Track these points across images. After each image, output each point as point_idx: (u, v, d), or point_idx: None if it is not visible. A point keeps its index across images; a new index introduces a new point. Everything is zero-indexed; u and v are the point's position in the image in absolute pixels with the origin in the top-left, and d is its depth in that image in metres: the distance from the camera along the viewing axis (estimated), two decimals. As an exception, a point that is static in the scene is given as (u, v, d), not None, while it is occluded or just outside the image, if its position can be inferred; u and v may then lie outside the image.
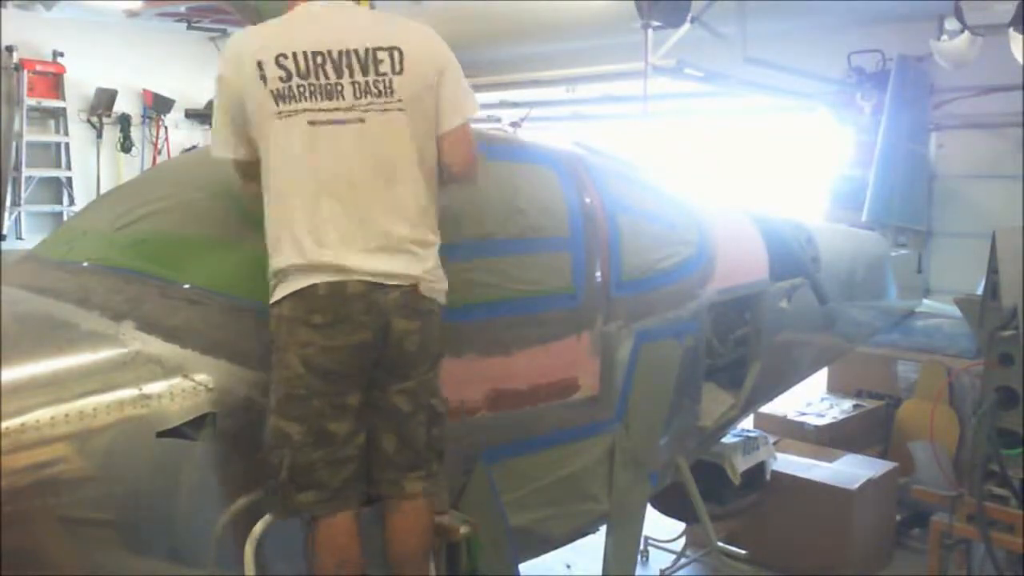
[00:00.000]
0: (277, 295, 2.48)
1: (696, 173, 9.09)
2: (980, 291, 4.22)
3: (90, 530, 2.28)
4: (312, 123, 2.46)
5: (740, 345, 4.48)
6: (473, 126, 2.80)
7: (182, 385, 2.41)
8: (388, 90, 2.51)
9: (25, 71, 9.40)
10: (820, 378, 6.72)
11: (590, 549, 3.74)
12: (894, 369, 6.70)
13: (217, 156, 2.65)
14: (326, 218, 2.46)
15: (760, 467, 4.89)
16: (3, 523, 2.10)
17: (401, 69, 2.52)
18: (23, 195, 9.56)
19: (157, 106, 10.40)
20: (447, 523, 2.76)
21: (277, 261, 2.49)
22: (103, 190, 9.51)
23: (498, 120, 9.37)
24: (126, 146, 10.25)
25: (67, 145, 9.90)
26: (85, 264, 2.84)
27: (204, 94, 10.73)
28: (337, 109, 2.47)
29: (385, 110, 2.51)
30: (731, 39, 6.84)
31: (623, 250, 3.53)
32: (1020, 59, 6.01)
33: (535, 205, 3.25)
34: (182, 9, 8.81)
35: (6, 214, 9.46)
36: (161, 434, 2.35)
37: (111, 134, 10.24)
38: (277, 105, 2.44)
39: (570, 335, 3.29)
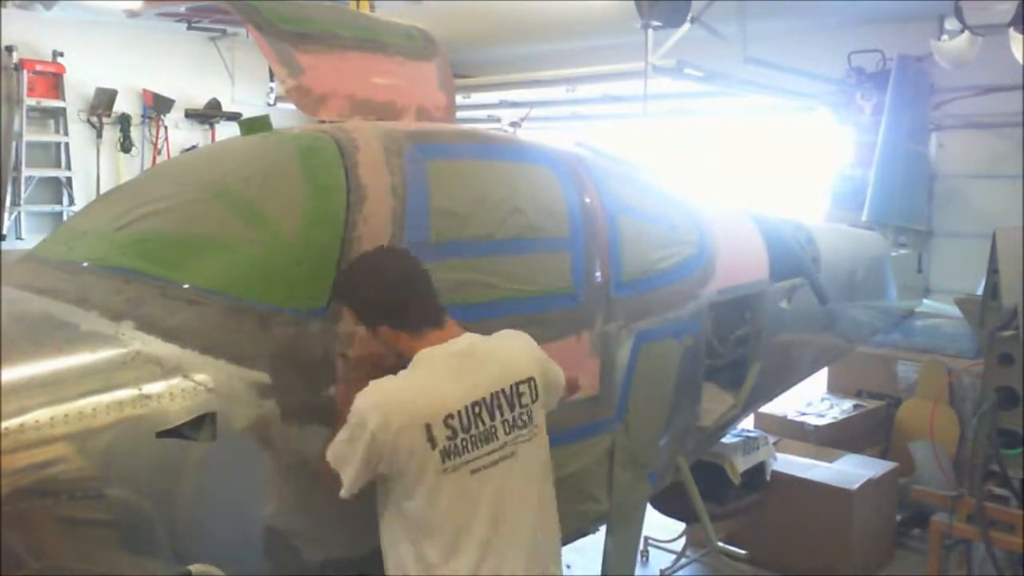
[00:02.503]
0: None
1: (696, 173, 9.09)
2: (980, 291, 4.22)
3: (90, 530, 2.28)
4: (474, 472, 2.53)
5: (740, 345, 4.48)
6: (473, 126, 2.81)
7: (182, 385, 2.41)
8: (530, 419, 2.67)
9: (25, 71, 9.39)
10: (820, 378, 6.73)
11: (590, 549, 3.74)
12: (894, 369, 6.71)
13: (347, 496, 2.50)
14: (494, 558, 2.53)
15: (760, 467, 4.89)
16: (3, 523, 2.10)
17: (537, 396, 2.70)
18: (23, 195, 9.55)
19: (157, 106, 10.40)
20: (447, 523, 2.76)
21: None
22: (103, 190, 9.50)
23: (498, 120, 9.37)
24: (126, 146, 10.25)
25: (67, 145, 9.89)
26: (85, 264, 2.84)
27: (204, 94, 10.74)
28: (493, 451, 2.58)
29: (530, 439, 2.67)
30: (731, 39, 6.85)
31: (623, 250, 3.53)
32: (1020, 59, 6.01)
33: (535, 205, 3.25)
34: (182, 9, 8.80)
35: (6, 214, 9.46)
36: (161, 434, 2.35)
37: (111, 134, 10.23)
38: (443, 463, 2.48)
39: (570, 335, 3.29)
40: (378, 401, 2.47)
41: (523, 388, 2.66)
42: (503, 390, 2.61)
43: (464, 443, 2.52)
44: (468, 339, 2.65)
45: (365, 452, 2.43)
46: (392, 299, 2.58)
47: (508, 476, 2.59)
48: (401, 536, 2.53)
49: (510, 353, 2.72)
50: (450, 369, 2.57)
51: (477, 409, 2.55)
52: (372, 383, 2.51)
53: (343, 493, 2.48)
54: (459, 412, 2.52)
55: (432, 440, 2.47)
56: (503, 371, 2.64)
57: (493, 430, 2.58)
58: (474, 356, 2.62)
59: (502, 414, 2.60)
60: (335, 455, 2.50)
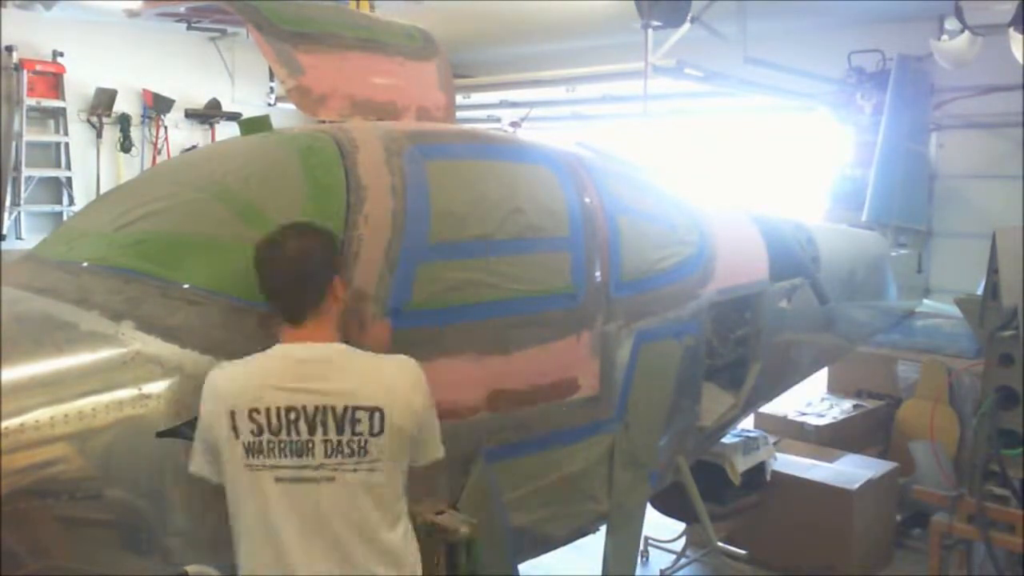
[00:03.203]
0: None
1: (696, 173, 9.09)
2: (980, 291, 4.22)
3: (90, 530, 2.28)
4: (279, 480, 2.39)
5: (740, 345, 4.48)
6: (473, 126, 2.80)
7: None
8: (362, 451, 2.43)
9: (25, 71, 9.39)
10: (820, 378, 6.72)
11: (590, 549, 3.74)
12: (894, 369, 6.70)
13: (192, 472, 2.46)
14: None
15: (760, 467, 4.89)
16: (3, 523, 2.10)
17: (380, 431, 2.43)
18: (23, 195, 9.55)
19: (157, 106, 10.40)
20: (447, 523, 2.76)
21: None
22: (103, 190, 9.50)
23: (498, 120, 9.37)
24: (126, 146, 10.25)
25: (67, 145, 9.89)
26: (85, 264, 2.84)
27: (204, 94, 10.73)
28: (306, 467, 2.40)
29: (355, 470, 2.42)
30: (731, 39, 6.85)
31: (623, 250, 3.53)
32: (1020, 59, 6.01)
33: (535, 205, 3.25)
34: (182, 9, 8.80)
35: (6, 214, 9.46)
36: (161, 434, 2.35)
37: (111, 134, 10.23)
38: (246, 457, 2.38)
39: (570, 335, 3.29)
40: (209, 381, 2.43)
41: (360, 415, 2.42)
42: (333, 408, 2.40)
43: (271, 445, 2.38)
44: (329, 349, 2.50)
45: (200, 425, 2.41)
46: (269, 283, 2.51)
47: (319, 500, 2.40)
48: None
49: (367, 378, 2.48)
50: (281, 368, 2.44)
51: (293, 416, 2.39)
52: (222, 363, 2.46)
53: (191, 465, 2.43)
54: (268, 410, 2.38)
55: (235, 430, 2.37)
56: (343, 391, 2.43)
57: (310, 445, 2.39)
58: (320, 365, 2.46)
59: (325, 432, 2.40)
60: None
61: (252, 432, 2.38)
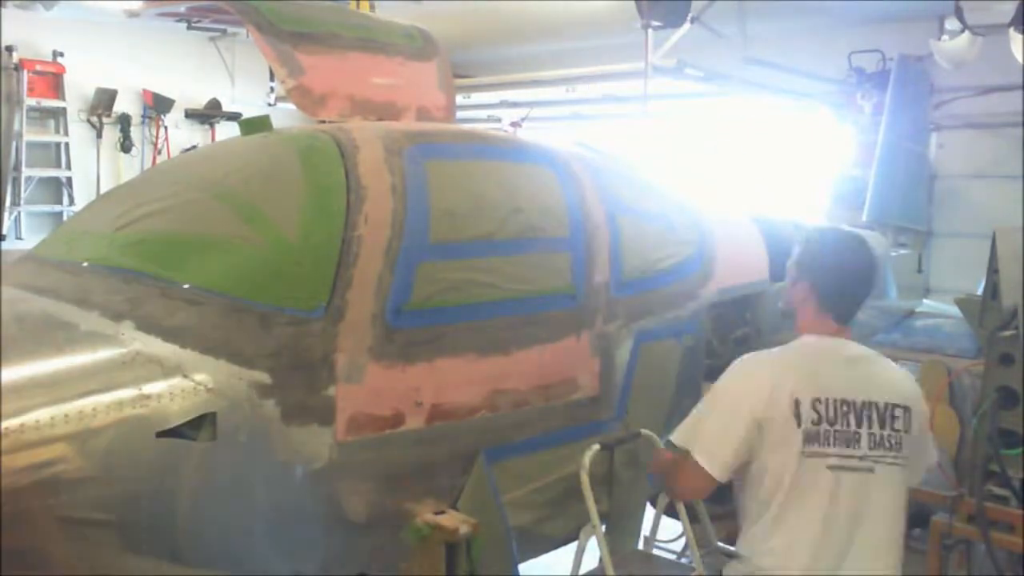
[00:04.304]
0: None
1: (696, 173, 9.09)
2: (980, 291, 4.21)
3: (90, 530, 2.27)
4: (831, 468, 2.61)
5: (740, 345, 4.47)
6: (473, 126, 2.82)
7: (182, 385, 2.41)
8: (899, 446, 2.67)
9: (25, 71, 9.39)
10: (820, 378, 6.71)
11: (590, 549, 3.74)
12: (894, 369, 6.69)
13: (708, 468, 2.71)
14: (827, 552, 2.59)
15: (760, 467, 4.88)
16: (3, 523, 2.10)
17: (909, 429, 2.69)
18: (23, 195, 9.55)
19: (157, 106, 10.40)
20: (447, 523, 2.76)
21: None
22: (103, 190, 9.49)
23: (498, 120, 9.37)
24: (126, 146, 10.25)
25: (67, 145, 9.89)
26: (85, 264, 2.84)
27: (204, 94, 10.73)
28: (852, 456, 2.62)
29: (893, 464, 2.67)
30: (731, 39, 6.85)
31: (623, 250, 3.53)
32: (1020, 59, 6.01)
33: (535, 205, 3.25)
34: (182, 9, 8.81)
35: (6, 214, 9.46)
36: (161, 434, 2.35)
37: (111, 134, 10.23)
38: (804, 445, 2.60)
39: (570, 335, 3.29)
40: (751, 364, 2.73)
41: (898, 412, 2.66)
42: (876, 403, 2.64)
43: (827, 435, 2.59)
44: (857, 348, 2.77)
45: (737, 421, 2.62)
46: (840, 279, 2.75)
47: (861, 489, 2.61)
48: (748, 515, 2.70)
49: (894, 375, 2.79)
50: (831, 361, 2.69)
51: (845, 408, 2.61)
52: (745, 356, 2.77)
53: (719, 476, 2.67)
54: (828, 400, 2.60)
55: (798, 416, 2.59)
56: (882, 386, 2.69)
57: (857, 437, 2.61)
58: (857, 361, 2.72)
59: (870, 426, 2.63)
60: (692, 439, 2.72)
61: (813, 421, 2.59)
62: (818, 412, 2.59)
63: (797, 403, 2.59)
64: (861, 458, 2.61)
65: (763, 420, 2.62)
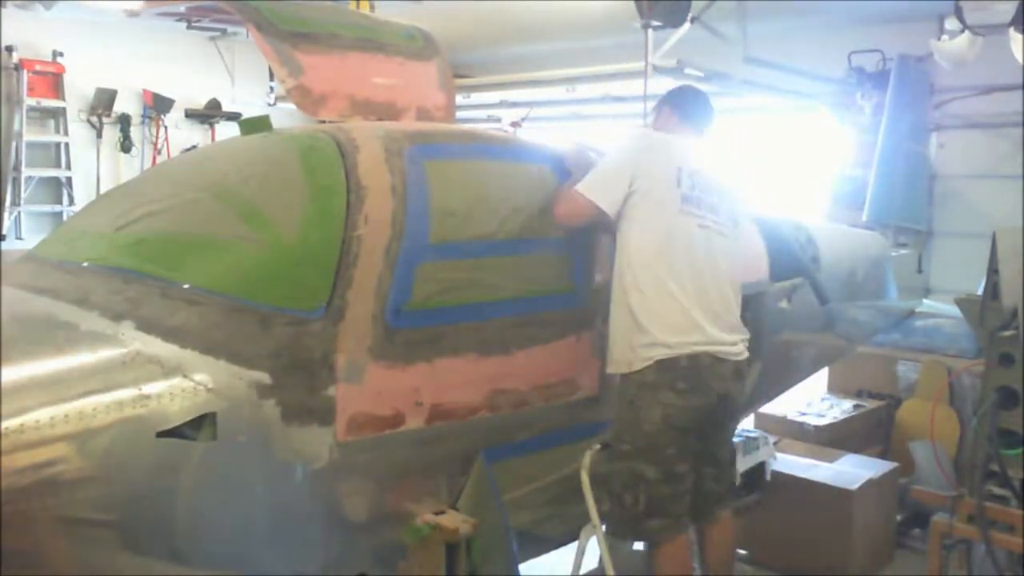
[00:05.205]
0: (638, 365, 3.15)
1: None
2: (980, 291, 4.21)
3: (90, 530, 2.28)
4: (701, 227, 3.25)
5: (740, 345, 4.47)
6: (473, 126, 2.84)
7: (182, 385, 2.41)
8: (731, 218, 3.41)
9: (25, 71, 9.39)
10: (820, 378, 6.71)
11: (590, 549, 3.74)
12: (894, 369, 6.69)
13: (597, 202, 3.20)
14: (699, 303, 3.20)
15: (760, 467, 4.88)
16: (3, 523, 2.10)
17: (733, 200, 3.46)
18: (23, 195, 9.54)
19: (157, 106, 10.39)
20: (447, 523, 2.76)
21: (643, 337, 3.14)
22: (103, 190, 9.49)
23: (498, 120, 9.36)
24: (126, 146, 10.24)
25: (67, 145, 9.89)
26: (85, 264, 2.84)
27: (204, 94, 10.73)
28: (716, 222, 3.30)
29: (733, 227, 3.41)
30: (731, 39, 6.84)
31: None
32: (1020, 59, 6.00)
33: (535, 205, 3.25)
34: (182, 9, 8.80)
35: (6, 214, 9.46)
36: (161, 434, 2.35)
37: (111, 134, 10.23)
38: (682, 204, 3.21)
39: (570, 335, 3.29)
40: (649, 137, 3.38)
41: (730, 187, 3.46)
42: (723, 183, 3.39)
43: (698, 199, 3.23)
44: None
45: (625, 167, 3.21)
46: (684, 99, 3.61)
47: (722, 246, 3.31)
48: (621, 263, 3.23)
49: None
50: (693, 144, 3.42)
51: (712, 183, 3.31)
52: (632, 127, 3.28)
53: (609, 211, 3.19)
54: (695, 170, 3.26)
55: (679, 182, 3.20)
56: (723, 173, 3.45)
57: (713, 204, 3.28)
58: (693, 149, 3.42)
59: (722, 199, 3.32)
60: (587, 185, 3.19)
61: (689, 187, 3.23)
62: (692, 179, 3.26)
63: (679, 170, 3.24)
64: (717, 223, 3.33)
65: (641, 172, 3.22)
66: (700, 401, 3.21)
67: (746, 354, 3.35)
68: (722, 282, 3.31)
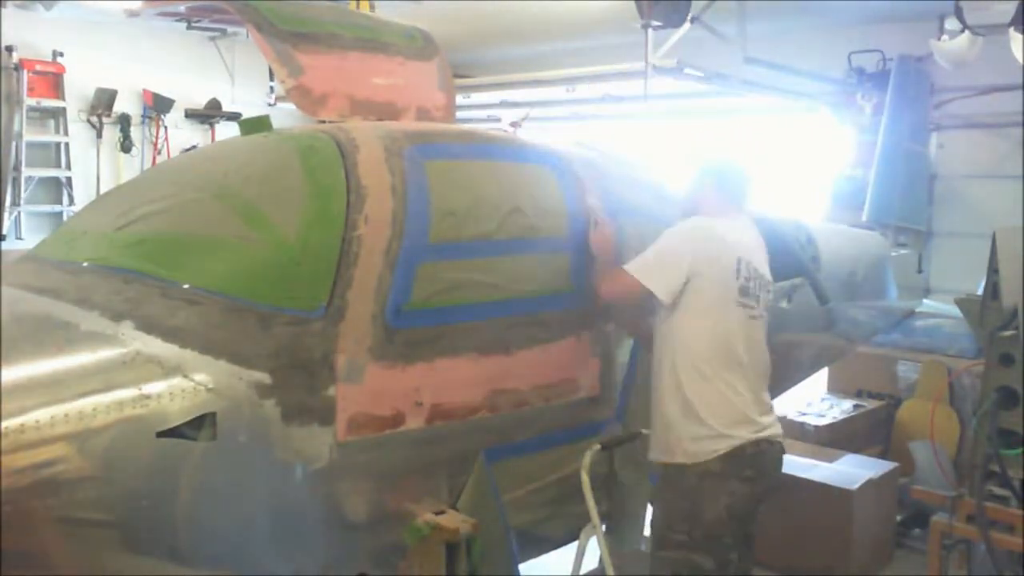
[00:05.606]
0: (702, 457, 3.12)
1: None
2: (980, 291, 4.21)
3: (90, 530, 2.28)
4: (751, 317, 3.26)
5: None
6: (473, 126, 2.83)
7: (182, 385, 2.41)
8: (767, 304, 3.39)
9: (25, 71, 9.38)
10: (820, 378, 6.72)
11: (590, 549, 3.74)
12: (894, 369, 6.69)
13: (650, 287, 3.16)
14: (753, 393, 3.22)
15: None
16: (3, 523, 2.10)
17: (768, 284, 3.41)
18: (23, 195, 9.53)
19: (157, 106, 10.39)
20: (447, 523, 2.76)
21: (704, 429, 3.13)
22: (103, 190, 9.49)
23: (498, 120, 9.36)
24: (126, 146, 10.23)
25: (67, 145, 9.88)
26: (85, 264, 2.84)
27: (204, 94, 10.73)
28: (760, 310, 3.31)
29: (766, 310, 3.38)
30: (731, 39, 6.84)
31: (623, 250, 3.53)
32: (1020, 59, 6.00)
33: (535, 205, 3.25)
34: (182, 9, 8.80)
35: (6, 214, 9.45)
36: (161, 434, 2.35)
37: (111, 134, 10.22)
38: (739, 296, 3.21)
39: (570, 335, 3.29)
40: (710, 228, 3.25)
41: (766, 282, 3.38)
42: (763, 275, 3.33)
43: (750, 290, 3.24)
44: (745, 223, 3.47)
45: (683, 260, 3.14)
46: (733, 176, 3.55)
47: (760, 332, 3.31)
48: (674, 352, 3.19)
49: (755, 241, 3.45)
50: (739, 236, 3.32)
51: (754, 273, 3.27)
52: (681, 222, 3.28)
53: (665, 298, 3.16)
54: (748, 260, 3.25)
55: (738, 272, 3.20)
56: (763, 260, 3.40)
57: (758, 294, 3.28)
58: (746, 234, 3.38)
59: (759, 288, 3.28)
60: (641, 268, 3.16)
61: (746, 278, 3.24)
62: (748, 271, 3.24)
63: (739, 260, 3.21)
64: (758, 311, 3.32)
65: (704, 265, 3.17)
66: (763, 487, 3.23)
67: (781, 431, 3.36)
68: (762, 371, 3.33)
